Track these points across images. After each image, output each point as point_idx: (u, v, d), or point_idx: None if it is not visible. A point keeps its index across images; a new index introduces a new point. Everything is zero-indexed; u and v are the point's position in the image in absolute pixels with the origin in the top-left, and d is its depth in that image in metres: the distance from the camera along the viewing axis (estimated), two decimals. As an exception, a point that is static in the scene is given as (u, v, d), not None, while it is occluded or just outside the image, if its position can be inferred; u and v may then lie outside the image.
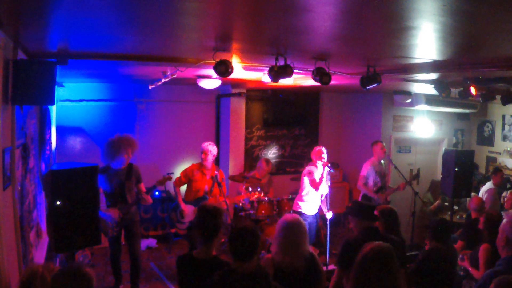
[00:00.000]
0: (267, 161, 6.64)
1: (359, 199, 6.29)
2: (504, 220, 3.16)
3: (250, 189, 6.05)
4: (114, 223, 4.56)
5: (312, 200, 5.59)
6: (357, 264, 2.46)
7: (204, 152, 5.35)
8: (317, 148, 5.64)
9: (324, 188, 5.45)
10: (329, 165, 5.38)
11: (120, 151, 4.66)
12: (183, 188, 5.58)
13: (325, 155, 5.50)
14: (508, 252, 3.02)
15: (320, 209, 5.74)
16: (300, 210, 5.62)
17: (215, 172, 5.40)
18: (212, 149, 5.37)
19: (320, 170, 5.49)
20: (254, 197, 5.90)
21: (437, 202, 7.09)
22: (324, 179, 5.40)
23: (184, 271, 2.81)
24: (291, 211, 5.81)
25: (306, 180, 5.55)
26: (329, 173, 5.42)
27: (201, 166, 5.44)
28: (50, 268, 2.24)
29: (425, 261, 3.66)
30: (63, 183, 3.32)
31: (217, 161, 7.60)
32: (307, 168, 5.63)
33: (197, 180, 5.40)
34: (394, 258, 2.44)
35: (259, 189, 6.08)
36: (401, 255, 3.28)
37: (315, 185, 5.40)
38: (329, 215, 5.44)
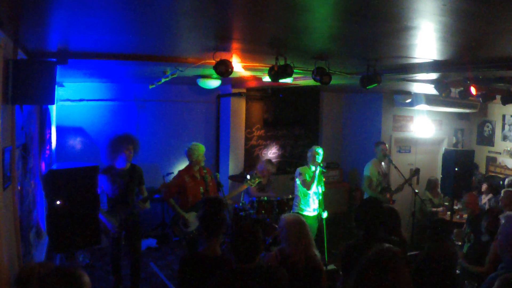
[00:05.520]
0: (271, 162, 6.62)
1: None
2: (503, 222, 3.08)
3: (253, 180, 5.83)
4: (112, 231, 4.55)
5: (309, 200, 5.60)
6: (358, 267, 2.41)
7: (196, 155, 5.00)
8: (311, 149, 5.69)
9: (319, 188, 5.48)
10: (321, 165, 5.43)
11: (120, 147, 4.65)
12: None
13: (318, 156, 5.52)
14: (510, 254, 2.95)
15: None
16: (299, 211, 5.62)
17: (204, 171, 5.08)
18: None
19: (312, 169, 5.53)
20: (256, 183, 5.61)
21: (440, 208, 7.07)
22: (316, 179, 5.42)
23: (189, 271, 2.72)
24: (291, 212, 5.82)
25: (298, 181, 5.61)
26: (323, 173, 5.48)
27: (189, 169, 5.05)
28: (47, 267, 2.22)
29: (425, 261, 3.65)
30: (63, 183, 3.33)
31: (217, 161, 7.62)
32: (298, 169, 5.69)
33: (191, 187, 4.99)
34: (397, 260, 2.37)
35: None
36: (403, 256, 3.26)
37: (307, 185, 5.44)
38: (324, 214, 5.46)
